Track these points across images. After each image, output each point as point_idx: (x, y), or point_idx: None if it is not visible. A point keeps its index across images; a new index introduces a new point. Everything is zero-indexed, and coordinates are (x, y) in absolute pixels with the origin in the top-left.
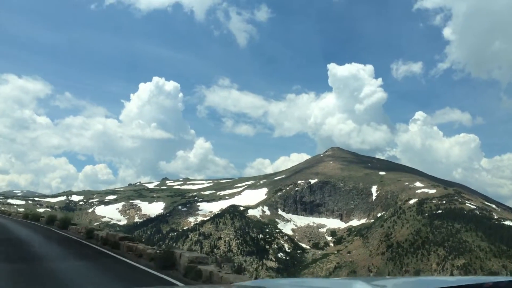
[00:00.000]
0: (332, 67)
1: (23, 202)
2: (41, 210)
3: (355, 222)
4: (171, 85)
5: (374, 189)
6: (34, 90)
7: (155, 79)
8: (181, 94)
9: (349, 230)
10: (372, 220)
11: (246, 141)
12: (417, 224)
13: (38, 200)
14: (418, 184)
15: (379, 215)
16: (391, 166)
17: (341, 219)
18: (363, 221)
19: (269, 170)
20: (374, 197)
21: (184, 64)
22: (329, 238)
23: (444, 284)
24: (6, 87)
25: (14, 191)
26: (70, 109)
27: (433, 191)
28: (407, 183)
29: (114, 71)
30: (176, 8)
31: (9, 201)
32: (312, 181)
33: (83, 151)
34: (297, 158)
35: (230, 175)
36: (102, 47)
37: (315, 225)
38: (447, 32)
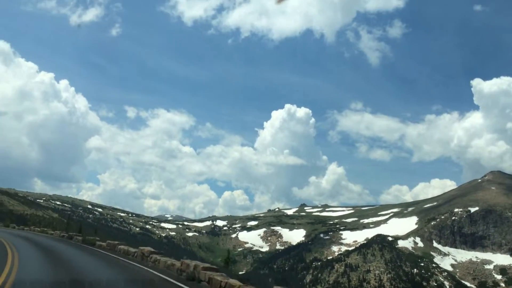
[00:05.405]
0: (477, 83)
1: (174, 226)
2: (190, 234)
3: None
4: (302, 112)
5: None
6: (180, 122)
7: (287, 106)
8: (312, 120)
9: None
10: None
11: (381, 166)
12: None
13: (187, 225)
14: None
15: None
16: None
17: None
18: None
19: (408, 197)
20: None
21: (315, 89)
22: (499, 277)
23: None
24: (158, 120)
25: (165, 215)
26: (210, 139)
27: None
28: None
29: (249, 101)
30: (307, 34)
31: (162, 224)
32: (472, 210)
33: (222, 178)
34: (439, 185)
35: (365, 202)
36: (238, 78)
37: (479, 260)
38: None
